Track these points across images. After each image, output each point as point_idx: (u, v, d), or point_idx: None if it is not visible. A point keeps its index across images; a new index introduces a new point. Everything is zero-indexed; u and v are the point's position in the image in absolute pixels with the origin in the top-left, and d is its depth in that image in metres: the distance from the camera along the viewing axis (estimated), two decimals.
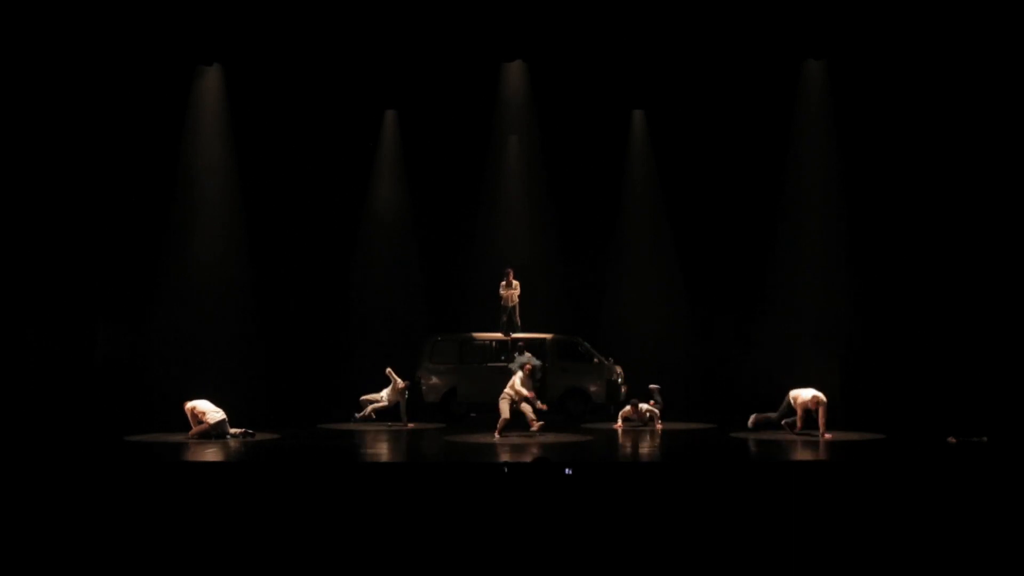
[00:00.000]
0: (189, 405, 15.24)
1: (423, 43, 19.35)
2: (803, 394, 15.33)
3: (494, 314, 18.68)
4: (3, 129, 18.28)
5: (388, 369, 17.30)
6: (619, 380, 18.44)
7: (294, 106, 19.97)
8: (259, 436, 15.25)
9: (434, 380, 18.57)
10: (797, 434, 15.23)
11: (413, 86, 20.25)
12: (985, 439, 14.36)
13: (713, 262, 20.60)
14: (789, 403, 15.49)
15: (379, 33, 19.25)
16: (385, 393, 17.29)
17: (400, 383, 17.14)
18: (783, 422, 15.58)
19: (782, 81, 20.10)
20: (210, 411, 15.13)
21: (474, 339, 18.95)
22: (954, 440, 14.32)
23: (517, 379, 15.66)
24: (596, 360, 18.57)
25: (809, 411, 15.18)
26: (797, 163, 20.37)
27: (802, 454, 13.65)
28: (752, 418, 16.08)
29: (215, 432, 14.96)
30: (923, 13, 18.55)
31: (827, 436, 14.98)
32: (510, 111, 20.94)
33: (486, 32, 19.37)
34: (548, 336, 18.72)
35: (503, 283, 18.58)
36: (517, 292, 18.63)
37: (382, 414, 17.29)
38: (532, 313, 18.92)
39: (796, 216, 20.35)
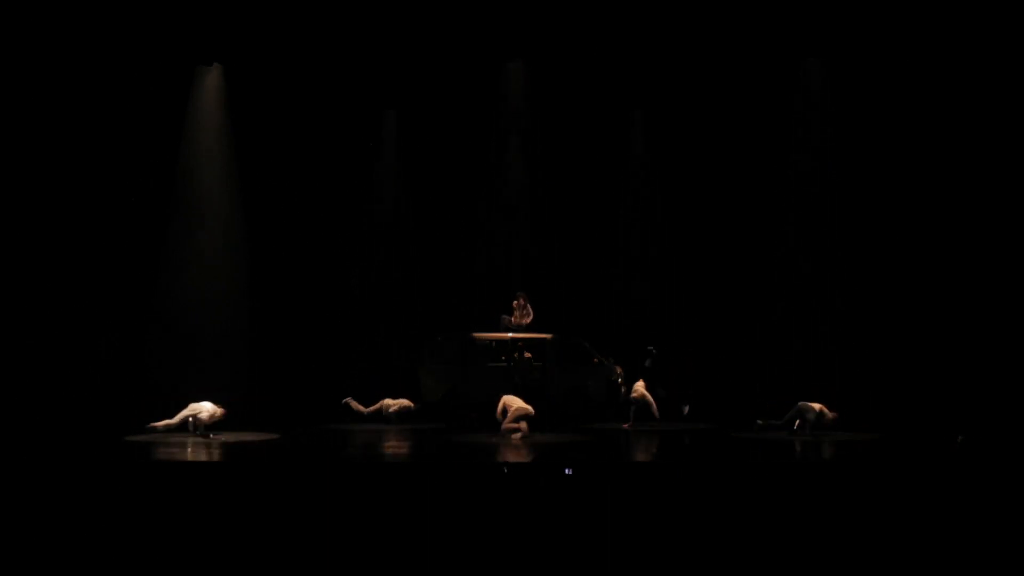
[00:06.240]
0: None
1: (423, 43, 19.34)
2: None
3: (494, 314, 18.66)
4: (4, 129, 18.27)
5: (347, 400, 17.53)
6: (619, 380, 18.43)
7: (294, 106, 19.96)
8: (258, 437, 15.22)
9: (434, 380, 18.56)
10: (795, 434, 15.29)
11: (413, 86, 20.24)
12: (981, 438, 14.33)
13: (713, 262, 20.58)
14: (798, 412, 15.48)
15: (379, 33, 19.24)
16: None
17: (393, 404, 17.30)
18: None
19: (782, 81, 20.09)
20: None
21: (474, 339, 18.94)
22: (961, 439, 14.27)
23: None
24: (596, 360, 18.56)
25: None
26: (797, 163, 20.34)
27: (802, 454, 13.65)
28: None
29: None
30: (923, 12, 18.54)
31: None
32: (510, 111, 20.94)
33: (486, 32, 19.36)
34: (548, 336, 18.71)
35: (516, 312, 18.55)
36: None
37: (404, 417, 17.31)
38: (532, 313, 18.89)
39: (796, 215, 20.31)
